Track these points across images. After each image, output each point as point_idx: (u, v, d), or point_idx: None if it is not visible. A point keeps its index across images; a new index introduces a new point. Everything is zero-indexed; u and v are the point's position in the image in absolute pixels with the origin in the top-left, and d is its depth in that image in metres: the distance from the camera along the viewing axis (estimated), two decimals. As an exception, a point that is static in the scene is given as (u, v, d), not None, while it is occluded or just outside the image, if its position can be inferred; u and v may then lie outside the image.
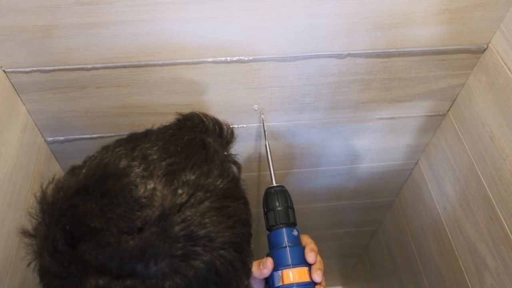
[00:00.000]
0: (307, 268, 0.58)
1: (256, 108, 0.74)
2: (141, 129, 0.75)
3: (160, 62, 0.64)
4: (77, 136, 0.75)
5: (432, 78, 0.74)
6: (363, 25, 0.63)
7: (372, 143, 0.89)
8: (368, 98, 0.76)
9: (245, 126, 0.78)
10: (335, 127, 0.82)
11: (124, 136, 0.49)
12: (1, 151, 0.60)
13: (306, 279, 0.56)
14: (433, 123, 0.85)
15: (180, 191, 0.41)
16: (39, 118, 0.70)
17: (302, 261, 0.58)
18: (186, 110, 0.72)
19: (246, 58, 0.65)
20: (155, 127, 0.52)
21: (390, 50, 0.68)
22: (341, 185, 1.03)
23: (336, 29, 0.63)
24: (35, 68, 0.62)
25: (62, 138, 0.75)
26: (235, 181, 0.47)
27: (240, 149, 0.83)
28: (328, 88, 0.73)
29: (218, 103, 0.72)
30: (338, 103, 0.76)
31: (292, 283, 0.56)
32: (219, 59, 0.64)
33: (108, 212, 0.39)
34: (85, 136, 0.76)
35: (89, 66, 0.63)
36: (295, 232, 0.61)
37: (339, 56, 0.67)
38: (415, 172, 0.98)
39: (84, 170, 0.43)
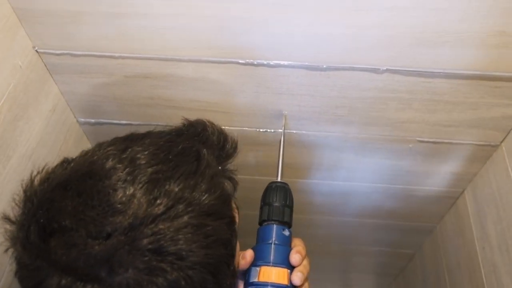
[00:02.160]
0: (289, 271, 0.53)
1: (284, 113, 0.71)
2: (167, 121, 0.75)
3: (185, 58, 0.62)
4: (107, 121, 0.77)
5: (483, 105, 0.66)
6: (405, 39, 0.57)
7: (412, 165, 0.82)
8: (407, 118, 0.70)
9: (272, 131, 0.75)
10: (371, 143, 0.77)
11: (126, 134, 0.48)
12: (23, 128, 0.61)
13: (284, 281, 0.52)
14: (483, 153, 0.77)
15: (158, 201, 0.39)
16: (71, 99, 0.72)
17: (284, 263, 0.54)
18: (211, 108, 0.71)
19: (272, 63, 0.61)
20: (158, 129, 0.50)
21: (435, 70, 0.61)
22: (377, 204, 0.97)
23: (373, 41, 0.58)
24: (65, 52, 0.63)
25: (93, 120, 0.77)
26: (224, 198, 0.44)
27: (265, 154, 0.80)
28: (363, 103, 0.68)
29: (245, 105, 0.70)
30: (374, 120, 0.71)
31: (267, 282, 0.52)
32: (245, 61, 0.62)
33: (80, 213, 0.38)
34: (114, 122, 0.76)
35: (116, 54, 0.63)
36: (286, 232, 0.57)
37: (376, 71, 0.62)
38: (459, 202, 0.90)
39: (72, 164, 0.43)
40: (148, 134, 0.47)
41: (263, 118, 0.72)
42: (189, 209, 0.40)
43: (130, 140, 0.45)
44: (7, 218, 0.42)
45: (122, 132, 0.78)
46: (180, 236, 0.38)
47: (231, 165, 0.51)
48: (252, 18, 0.56)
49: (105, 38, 0.60)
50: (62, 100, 0.71)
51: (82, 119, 0.77)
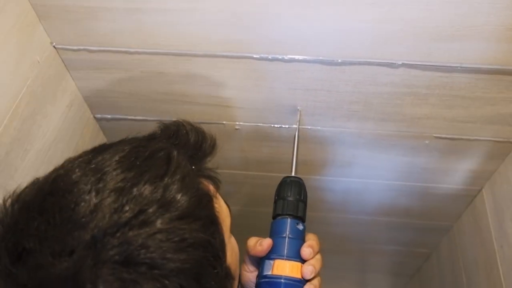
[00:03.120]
0: (302, 265, 0.53)
1: (299, 109, 0.71)
2: (183, 116, 0.75)
3: (200, 53, 0.63)
4: (123, 116, 0.77)
5: (502, 100, 0.65)
6: (420, 34, 0.57)
7: (428, 162, 0.81)
8: (424, 114, 0.69)
9: (287, 127, 0.75)
10: (386, 140, 0.76)
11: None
12: (41, 123, 0.62)
13: (297, 275, 0.52)
14: (501, 150, 0.75)
15: (125, 208, 0.37)
16: (88, 94, 0.73)
17: (298, 256, 0.54)
18: (226, 103, 0.71)
19: (286, 58, 0.61)
20: (132, 136, 0.48)
21: (452, 65, 0.60)
22: (392, 202, 0.96)
23: (388, 35, 0.57)
24: (82, 47, 0.64)
25: (109, 116, 0.77)
26: (198, 198, 0.41)
27: (280, 150, 0.80)
28: (379, 98, 0.67)
29: (259, 100, 0.70)
30: (390, 115, 0.70)
31: (281, 275, 0.52)
32: (260, 56, 0.62)
33: (43, 232, 0.36)
34: (130, 117, 0.77)
35: (132, 50, 0.63)
36: (300, 226, 0.56)
37: (392, 66, 0.61)
38: (477, 200, 0.89)
39: (39, 183, 0.41)
40: (119, 142, 0.45)
41: (277, 113, 0.72)
42: (159, 213, 0.38)
43: (98, 150, 0.43)
44: None
45: (138, 128, 0.80)
46: (151, 243, 0.36)
47: (211, 163, 0.49)
48: (267, 12, 0.56)
49: (121, 33, 0.61)
50: (79, 95, 0.72)
51: (99, 115, 0.77)
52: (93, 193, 0.37)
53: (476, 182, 0.85)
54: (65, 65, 0.67)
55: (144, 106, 0.74)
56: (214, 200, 0.45)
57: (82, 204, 0.36)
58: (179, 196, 0.39)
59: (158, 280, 0.36)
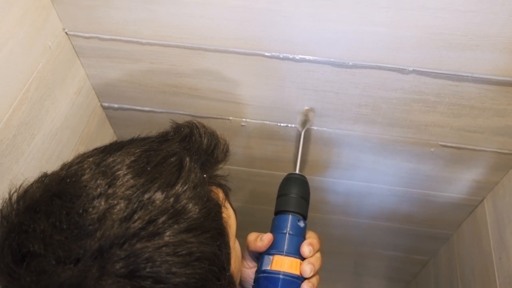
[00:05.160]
0: (301, 262, 0.53)
1: (306, 108, 0.71)
2: (190, 110, 0.76)
3: (212, 48, 0.63)
4: (130, 106, 0.77)
5: (511, 112, 0.65)
6: (433, 41, 0.56)
7: (432, 170, 0.81)
8: (431, 121, 0.69)
9: (293, 126, 0.75)
10: (392, 145, 0.76)
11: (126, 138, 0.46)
12: (49, 108, 0.63)
13: (296, 271, 0.52)
14: (506, 162, 0.75)
15: (135, 217, 0.36)
16: (97, 82, 0.73)
17: (298, 253, 0.54)
18: (234, 99, 0.71)
19: (297, 57, 0.61)
20: (143, 135, 0.47)
21: (463, 74, 0.60)
22: (393, 207, 0.96)
23: (401, 41, 0.57)
24: (93, 35, 0.64)
25: (116, 105, 0.77)
26: (208, 209, 0.40)
27: (285, 148, 0.80)
28: (387, 103, 0.67)
29: (268, 98, 0.70)
30: (397, 121, 0.70)
31: (279, 271, 0.52)
32: (271, 54, 0.62)
33: (49, 237, 0.35)
34: (137, 108, 0.77)
35: (144, 41, 0.63)
36: (301, 223, 0.56)
37: (402, 71, 0.61)
38: (478, 211, 0.89)
39: (46, 180, 0.40)
40: (130, 142, 0.44)
41: (285, 112, 0.72)
42: (169, 224, 0.37)
43: (110, 150, 0.42)
44: None
45: (145, 119, 0.80)
46: (157, 257, 0.35)
47: (222, 170, 0.49)
48: (281, 11, 0.56)
49: (134, 23, 0.61)
50: (88, 83, 0.72)
51: (106, 104, 0.77)
52: (102, 199, 0.36)
53: (479, 192, 0.85)
54: (75, 52, 0.67)
55: (152, 97, 0.74)
56: (223, 209, 0.44)
57: (90, 210, 0.36)
58: (189, 206, 0.38)
59: None
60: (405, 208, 0.96)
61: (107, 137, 0.83)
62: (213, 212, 0.42)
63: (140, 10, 0.59)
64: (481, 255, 0.85)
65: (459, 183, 0.84)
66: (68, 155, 0.69)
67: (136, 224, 0.35)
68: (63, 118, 0.66)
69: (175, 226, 0.37)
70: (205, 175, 0.44)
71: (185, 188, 0.39)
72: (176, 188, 0.39)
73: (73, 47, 0.66)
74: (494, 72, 0.59)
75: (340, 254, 1.29)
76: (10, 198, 0.39)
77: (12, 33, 0.53)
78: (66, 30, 0.63)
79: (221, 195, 0.46)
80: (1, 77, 0.53)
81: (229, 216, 0.46)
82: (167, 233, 0.36)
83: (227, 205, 0.47)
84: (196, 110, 0.75)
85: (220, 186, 0.48)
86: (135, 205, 0.36)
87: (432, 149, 0.75)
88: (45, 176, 0.41)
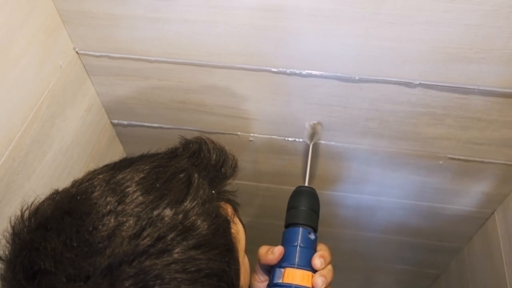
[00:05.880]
0: (313, 274, 0.53)
1: (314, 122, 0.71)
2: (199, 126, 0.76)
3: (219, 64, 0.63)
4: (139, 123, 0.78)
5: (518, 124, 0.65)
6: (438, 54, 0.57)
7: (441, 183, 0.81)
8: (439, 134, 0.69)
9: (301, 140, 0.75)
10: (400, 158, 0.76)
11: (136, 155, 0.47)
12: (59, 126, 0.64)
13: (308, 284, 0.52)
14: (516, 174, 0.75)
15: (144, 234, 0.36)
16: (107, 100, 0.74)
17: (309, 266, 0.53)
18: (242, 115, 0.72)
19: (304, 72, 0.62)
20: (152, 151, 0.48)
21: (469, 87, 0.60)
22: (403, 220, 0.95)
23: (406, 55, 0.57)
24: (103, 53, 0.65)
25: (125, 122, 0.78)
26: (217, 225, 0.41)
27: (293, 163, 0.80)
28: (395, 116, 0.67)
29: (275, 113, 0.70)
30: (405, 134, 0.70)
31: (291, 284, 0.52)
32: (278, 69, 0.62)
33: (59, 255, 0.36)
34: (146, 124, 0.78)
35: (152, 58, 0.64)
36: (311, 236, 0.56)
37: (409, 85, 0.62)
38: (489, 223, 0.88)
39: (57, 198, 0.40)
40: (140, 158, 0.45)
41: (292, 127, 0.72)
42: (178, 241, 0.37)
43: (119, 167, 0.42)
44: None
45: (154, 135, 0.80)
46: (166, 274, 0.35)
47: (230, 185, 0.49)
48: (287, 27, 0.57)
49: (143, 42, 0.62)
50: (98, 100, 0.73)
51: (116, 120, 0.79)
52: (112, 216, 0.37)
53: (489, 205, 0.85)
54: (86, 70, 0.68)
55: (161, 113, 0.75)
56: (232, 224, 0.44)
57: (100, 227, 0.36)
58: (198, 223, 0.39)
59: None
60: (414, 221, 0.95)
61: (117, 153, 0.83)
62: (222, 228, 0.42)
63: (148, 29, 0.60)
64: (493, 269, 0.84)
65: (469, 195, 0.83)
66: (78, 172, 0.70)
67: (145, 241, 0.36)
68: (74, 136, 0.67)
69: (184, 242, 0.37)
70: (213, 191, 0.44)
71: (193, 204, 0.39)
72: (185, 204, 0.39)
73: (84, 65, 0.67)
74: (500, 85, 0.59)
75: (350, 268, 1.28)
76: (22, 215, 0.40)
77: (24, 52, 0.54)
78: (77, 49, 0.65)
79: (230, 210, 0.46)
80: (13, 96, 0.54)
81: (238, 231, 0.47)
82: (176, 250, 0.36)
83: (236, 220, 0.47)
84: (204, 125, 0.76)
85: (229, 201, 0.48)
86: (144, 222, 0.37)
87: (440, 162, 0.75)
88: (56, 193, 0.41)
